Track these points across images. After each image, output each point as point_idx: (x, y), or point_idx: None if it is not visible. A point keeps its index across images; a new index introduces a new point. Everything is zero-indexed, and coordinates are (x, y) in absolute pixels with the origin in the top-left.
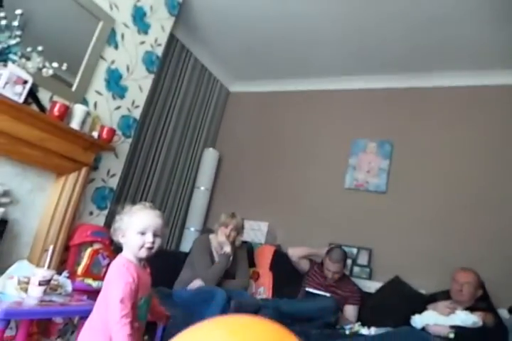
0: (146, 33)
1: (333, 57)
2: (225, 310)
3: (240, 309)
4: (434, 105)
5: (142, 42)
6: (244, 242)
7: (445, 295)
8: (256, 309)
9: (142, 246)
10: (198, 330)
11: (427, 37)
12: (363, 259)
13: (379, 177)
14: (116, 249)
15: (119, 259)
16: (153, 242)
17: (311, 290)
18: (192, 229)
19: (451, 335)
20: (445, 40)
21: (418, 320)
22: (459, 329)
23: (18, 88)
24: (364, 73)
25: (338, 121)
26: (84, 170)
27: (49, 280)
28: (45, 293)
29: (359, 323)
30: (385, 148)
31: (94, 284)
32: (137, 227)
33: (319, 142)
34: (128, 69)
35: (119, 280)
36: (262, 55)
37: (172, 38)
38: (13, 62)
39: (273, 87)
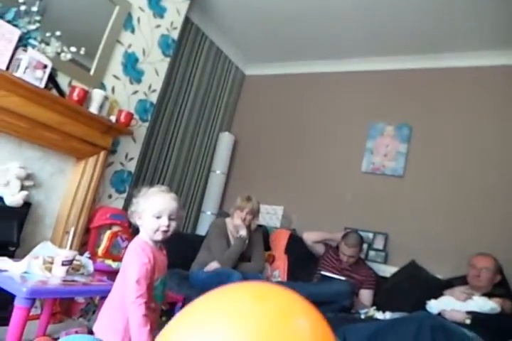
0: (161, 16)
1: (351, 38)
2: None
3: None
4: (455, 87)
5: (158, 26)
6: (260, 226)
7: (462, 280)
8: None
9: (157, 230)
10: (224, 292)
11: (448, 14)
12: (378, 244)
13: (396, 160)
14: (135, 231)
15: (136, 241)
16: (168, 225)
17: (326, 273)
18: (208, 212)
19: (468, 321)
20: (467, 18)
21: (434, 306)
22: (476, 315)
23: (39, 73)
24: (383, 54)
25: (356, 104)
26: (102, 154)
27: (71, 261)
28: (68, 273)
29: (374, 307)
30: (403, 131)
31: (114, 265)
32: (153, 211)
33: (336, 125)
34: (144, 52)
35: (136, 261)
36: (278, 36)
37: (187, 21)
38: (33, 47)
39: (289, 70)
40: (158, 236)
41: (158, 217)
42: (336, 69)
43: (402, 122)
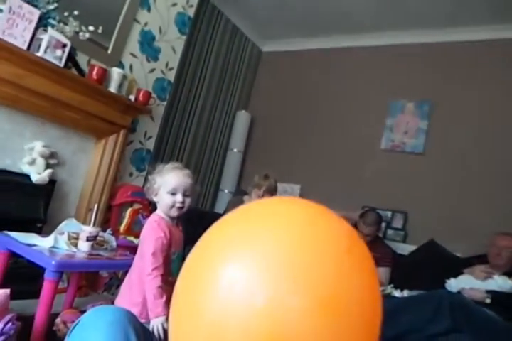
0: None
1: (370, 11)
2: None
3: None
4: (477, 62)
5: (174, 4)
6: None
7: (482, 259)
8: None
9: (173, 206)
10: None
11: None
12: (397, 222)
13: (417, 138)
14: (155, 209)
15: (152, 216)
16: (183, 202)
17: None
18: (226, 190)
19: (488, 300)
20: None
21: (453, 284)
22: (495, 294)
23: (58, 52)
24: (404, 28)
25: (375, 80)
26: (122, 133)
27: (95, 237)
28: (92, 247)
29: (391, 285)
30: (424, 108)
31: (136, 241)
32: (168, 188)
33: (355, 102)
34: (160, 31)
35: (151, 235)
36: (295, 11)
37: None
38: (52, 27)
39: (306, 46)
40: (174, 213)
41: (173, 194)
42: (355, 44)
43: (423, 98)
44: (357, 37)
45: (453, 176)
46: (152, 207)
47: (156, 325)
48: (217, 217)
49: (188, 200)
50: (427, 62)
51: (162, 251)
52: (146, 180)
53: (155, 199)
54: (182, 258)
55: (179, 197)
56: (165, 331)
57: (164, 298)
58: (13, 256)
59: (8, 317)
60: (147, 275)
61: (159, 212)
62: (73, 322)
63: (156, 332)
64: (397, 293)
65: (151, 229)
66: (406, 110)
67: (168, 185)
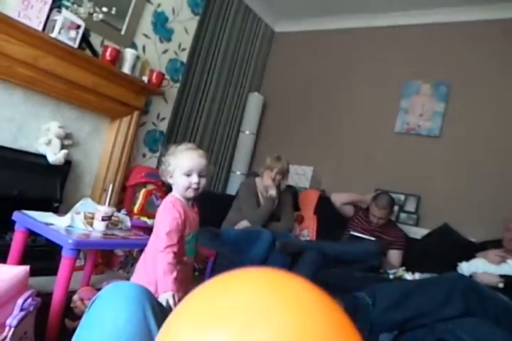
0: None
1: None
2: (270, 249)
3: (285, 249)
4: (497, 41)
5: None
6: (289, 186)
7: (496, 244)
8: (300, 250)
9: (189, 187)
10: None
11: None
12: (410, 206)
13: (433, 120)
14: (168, 190)
15: (168, 197)
16: (198, 183)
17: (356, 233)
18: (238, 172)
19: (501, 285)
20: None
21: (465, 268)
22: (509, 279)
23: (72, 33)
24: (419, 7)
25: (390, 60)
26: (135, 114)
27: (110, 216)
28: (107, 227)
29: (403, 268)
30: (441, 89)
31: (150, 222)
32: (182, 169)
33: (369, 84)
34: (174, 11)
35: (167, 215)
36: None
37: None
38: (66, 8)
39: (319, 26)
40: (190, 194)
41: (188, 175)
42: (370, 24)
43: (440, 80)
44: (372, 17)
45: (468, 160)
46: (166, 188)
47: (163, 299)
48: (227, 199)
49: (203, 181)
50: (444, 42)
51: (177, 232)
52: (159, 161)
53: (170, 181)
54: (197, 239)
55: (195, 178)
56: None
57: (174, 275)
58: (32, 234)
59: (27, 293)
60: (160, 252)
61: (175, 194)
62: (90, 299)
63: (165, 305)
64: (408, 276)
65: (166, 210)
66: (421, 91)
67: (183, 167)
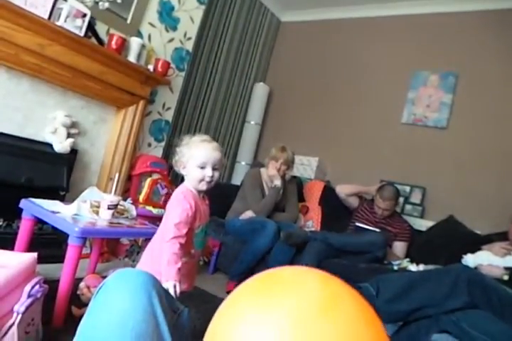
0: None
1: None
2: (274, 240)
3: (289, 240)
4: (507, 31)
5: None
6: (294, 177)
7: (502, 236)
8: (304, 240)
9: (202, 180)
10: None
11: None
12: (415, 198)
13: (440, 111)
14: (174, 179)
15: (180, 188)
16: (212, 176)
17: (360, 225)
18: (243, 162)
19: (506, 277)
20: None
21: (470, 260)
22: None
23: (78, 21)
24: None
25: (397, 51)
26: (141, 103)
27: (116, 205)
28: (113, 216)
29: (407, 259)
30: (449, 80)
31: (155, 211)
32: (196, 161)
33: (376, 74)
34: (179, 0)
35: (177, 206)
36: None
37: None
38: None
39: (326, 15)
40: (203, 186)
41: (202, 168)
42: (377, 13)
43: (448, 70)
44: (379, 6)
45: (475, 152)
46: (172, 177)
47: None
48: (232, 189)
49: (216, 174)
50: (452, 32)
51: (186, 223)
52: (165, 150)
53: (183, 172)
54: (206, 232)
55: (209, 171)
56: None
57: (178, 265)
58: (39, 222)
59: (35, 280)
60: (166, 242)
61: (187, 185)
62: (96, 286)
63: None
64: (412, 267)
65: (177, 201)
66: (429, 83)
67: (198, 159)
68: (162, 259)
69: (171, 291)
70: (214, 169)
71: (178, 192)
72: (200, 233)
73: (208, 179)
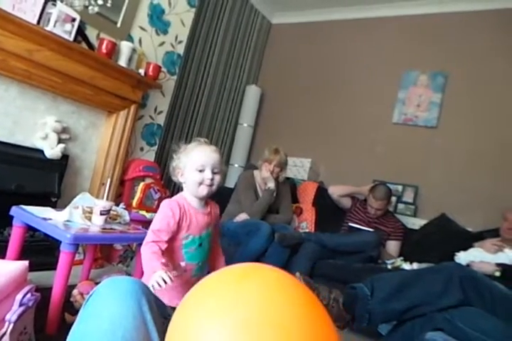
0: None
1: None
2: (269, 241)
3: (284, 241)
4: (495, 31)
5: None
6: (288, 178)
7: (493, 233)
8: (299, 241)
9: (201, 183)
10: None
11: None
12: (408, 196)
13: (430, 111)
14: (167, 183)
15: (173, 197)
16: (212, 179)
17: (354, 225)
18: (236, 165)
19: (498, 273)
20: None
21: (462, 257)
22: (506, 268)
23: (68, 26)
24: None
25: (387, 51)
26: (133, 108)
27: (109, 211)
28: (106, 221)
29: (401, 258)
30: (438, 80)
31: (148, 215)
32: (195, 164)
33: (366, 75)
34: (170, 3)
35: (160, 213)
36: None
37: None
38: (61, 0)
39: (317, 17)
40: (203, 191)
41: (200, 171)
42: (367, 15)
43: (437, 70)
44: (368, 8)
45: (466, 150)
46: (165, 181)
47: (150, 286)
48: (226, 192)
49: (217, 177)
50: (441, 32)
51: (168, 232)
52: (157, 154)
53: (181, 179)
54: (202, 244)
55: (208, 174)
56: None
57: (162, 260)
58: (30, 229)
59: (27, 288)
60: (143, 245)
61: (185, 194)
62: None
63: (156, 287)
64: (406, 266)
65: (161, 207)
66: (419, 82)
67: (195, 162)
68: (142, 263)
69: (160, 283)
70: (214, 172)
71: (165, 200)
72: (190, 243)
73: (207, 182)
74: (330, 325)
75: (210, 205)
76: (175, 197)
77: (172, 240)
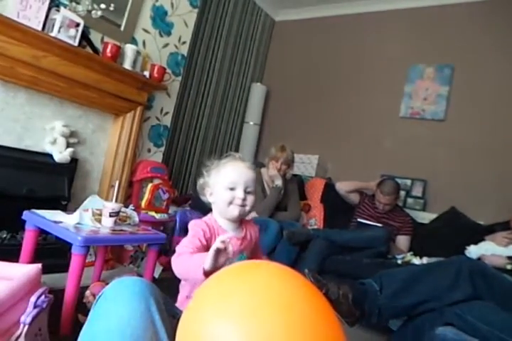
0: None
1: None
2: (278, 239)
3: (293, 239)
4: (501, 22)
5: None
6: (295, 175)
7: (504, 226)
8: (307, 238)
9: (231, 202)
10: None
11: None
12: (417, 191)
13: (437, 104)
14: (175, 183)
15: (202, 218)
16: (244, 199)
17: (362, 220)
18: None
19: (509, 266)
20: None
21: (473, 251)
22: None
23: (72, 31)
24: None
25: (393, 45)
26: (139, 110)
27: (118, 212)
28: (115, 223)
29: (411, 253)
30: (445, 72)
31: (157, 216)
32: (225, 182)
33: (372, 70)
34: (172, 5)
35: (189, 234)
36: None
37: None
38: (65, 6)
39: (321, 13)
40: (234, 211)
41: (231, 189)
42: (371, 8)
43: (444, 62)
44: (372, 1)
45: (474, 142)
46: (173, 181)
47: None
48: None
49: (250, 198)
50: (447, 24)
51: (197, 247)
52: (164, 155)
53: (210, 199)
54: None
55: (239, 193)
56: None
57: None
58: (42, 233)
59: (40, 290)
60: (172, 258)
61: (215, 215)
62: None
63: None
64: (416, 261)
65: (190, 230)
66: (425, 75)
67: (226, 179)
68: (179, 270)
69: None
70: (247, 192)
71: (193, 220)
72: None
73: (238, 202)
74: (330, 310)
75: (245, 227)
76: (204, 218)
77: None
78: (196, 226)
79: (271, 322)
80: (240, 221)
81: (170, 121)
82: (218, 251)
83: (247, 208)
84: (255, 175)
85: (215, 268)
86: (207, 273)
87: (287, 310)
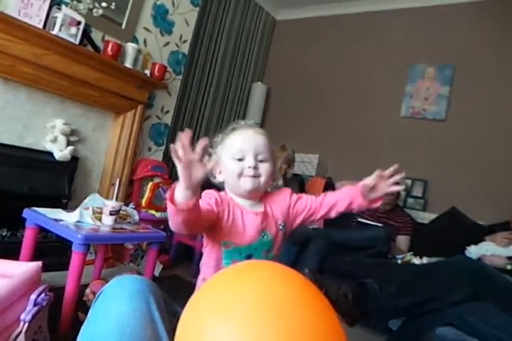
0: None
1: None
2: None
3: (292, 237)
4: (504, 21)
5: None
6: (295, 175)
7: (505, 226)
8: (307, 238)
9: (241, 174)
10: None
11: None
12: (417, 191)
13: (438, 104)
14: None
15: None
16: (255, 167)
17: (363, 220)
18: None
19: (509, 267)
20: None
21: (474, 251)
22: None
23: (73, 30)
24: None
25: (394, 45)
26: (139, 108)
27: (118, 211)
28: (116, 221)
29: (411, 253)
30: (445, 72)
31: (158, 214)
32: (231, 152)
33: (373, 69)
34: (173, 3)
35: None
36: None
37: None
38: (66, 4)
39: (321, 12)
40: (245, 185)
41: (240, 160)
42: (372, 8)
43: (445, 63)
44: (373, 1)
45: (475, 142)
46: (173, 180)
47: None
48: None
49: (264, 166)
50: (448, 24)
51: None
52: (165, 154)
53: (220, 178)
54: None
55: (249, 161)
56: None
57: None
58: (42, 231)
59: (41, 288)
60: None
61: (229, 193)
62: None
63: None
64: (416, 261)
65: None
66: (426, 75)
67: (232, 148)
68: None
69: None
70: (259, 160)
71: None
72: (232, 254)
73: (249, 172)
74: (331, 310)
75: (266, 202)
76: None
77: (210, 244)
78: (208, 194)
79: (272, 323)
80: (260, 197)
81: (170, 119)
82: (187, 163)
83: (262, 179)
84: (267, 140)
85: (191, 185)
86: (186, 197)
87: (288, 310)
